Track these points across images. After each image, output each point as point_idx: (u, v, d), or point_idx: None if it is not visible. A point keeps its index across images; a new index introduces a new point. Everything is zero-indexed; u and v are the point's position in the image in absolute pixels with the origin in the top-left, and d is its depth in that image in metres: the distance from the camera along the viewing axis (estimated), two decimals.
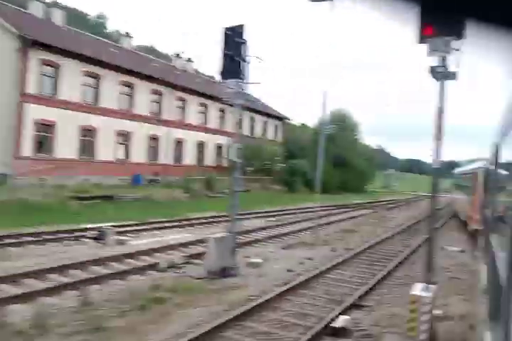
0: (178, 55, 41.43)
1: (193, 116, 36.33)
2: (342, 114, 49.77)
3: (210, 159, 37.84)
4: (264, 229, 18.10)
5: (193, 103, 36.15)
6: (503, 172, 2.97)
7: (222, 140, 39.22)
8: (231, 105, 10.73)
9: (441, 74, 6.63)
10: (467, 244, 16.25)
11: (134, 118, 30.08)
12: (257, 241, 15.15)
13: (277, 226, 19.38)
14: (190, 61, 42.23)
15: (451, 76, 6.74)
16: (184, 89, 34.32)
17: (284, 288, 8.90)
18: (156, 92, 32.26)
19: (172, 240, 14.30)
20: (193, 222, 19.12)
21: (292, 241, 15.66)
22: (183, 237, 15.00)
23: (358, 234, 17.89)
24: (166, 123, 32.85)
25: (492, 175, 5.49)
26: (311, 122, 53.70)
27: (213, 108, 37.78)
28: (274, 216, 23.32)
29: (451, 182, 31.40)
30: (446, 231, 20.97)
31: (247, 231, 16.74)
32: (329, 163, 45.89)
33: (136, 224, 17.17)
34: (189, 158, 35.85)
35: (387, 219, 24.67)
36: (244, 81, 10.05)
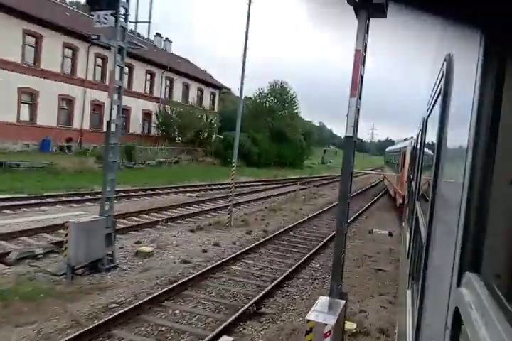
0: None
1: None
2: (281, 86, 47.62)
3: (135, 127, 34.38)
4: (178, 206, 15.89)
5: None
6: (426, 150, 2.88)
7: (150, 106, 35.83)
8: (108, 48, 8.13)
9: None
10: (395, 223, 15.22)
11: (41, 75, 25.87)
12: (163, 221, 12.90)
13: (196, 202, 17.25)
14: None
15: (377, 8, 4.69)
16: (104, 46, 29.90)
17: (167, 288, 6.85)
18: (69, 46, 27.90)
19: (57, 219, 11.77)
20: (98, 196, 16.45)
21: (206, 221, 13.60)
22: (73, 216, 12.41)
23: (282, 213, 16.23)
24: (82, 82, 28.78)
25: (416, 152, 4.88)
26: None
27: (141, 70, 34.01)
28: (197, 191, 21.14)
29: (384, 160, 31.48)
30: (379, 208, 20.17)
31: (156, 209, 14.49)
32: (268, 136, 44.11)
33: (23, 198, 14.29)
34: None
35: (317, 196, 23.37)
36: (126, 16, 7.51)
